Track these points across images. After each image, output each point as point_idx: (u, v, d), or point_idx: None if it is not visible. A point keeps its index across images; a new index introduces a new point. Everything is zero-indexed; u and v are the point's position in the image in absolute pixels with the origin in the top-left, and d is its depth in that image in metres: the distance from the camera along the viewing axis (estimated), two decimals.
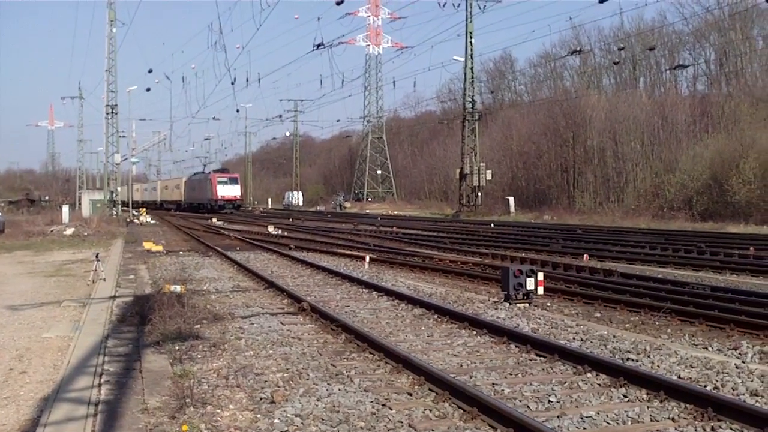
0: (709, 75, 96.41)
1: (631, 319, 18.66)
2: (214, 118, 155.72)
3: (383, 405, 11.10)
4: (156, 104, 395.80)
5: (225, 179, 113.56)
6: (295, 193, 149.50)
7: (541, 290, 20.89)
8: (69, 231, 57.15)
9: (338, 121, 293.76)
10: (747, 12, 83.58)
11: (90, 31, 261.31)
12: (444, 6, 78.34)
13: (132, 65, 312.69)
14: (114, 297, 22.26)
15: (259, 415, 10.76)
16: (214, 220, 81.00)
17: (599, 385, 12.09)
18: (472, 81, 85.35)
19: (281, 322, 18.30)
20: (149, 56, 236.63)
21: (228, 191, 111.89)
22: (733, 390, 11.61)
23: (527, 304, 20.17)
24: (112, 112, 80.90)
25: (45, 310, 20.49)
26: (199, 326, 17.23)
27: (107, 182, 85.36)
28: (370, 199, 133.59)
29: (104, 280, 26.24)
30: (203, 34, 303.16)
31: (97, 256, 27.49)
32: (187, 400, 11.11)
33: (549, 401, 11.21)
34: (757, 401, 11.05)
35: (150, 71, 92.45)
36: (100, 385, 12.08)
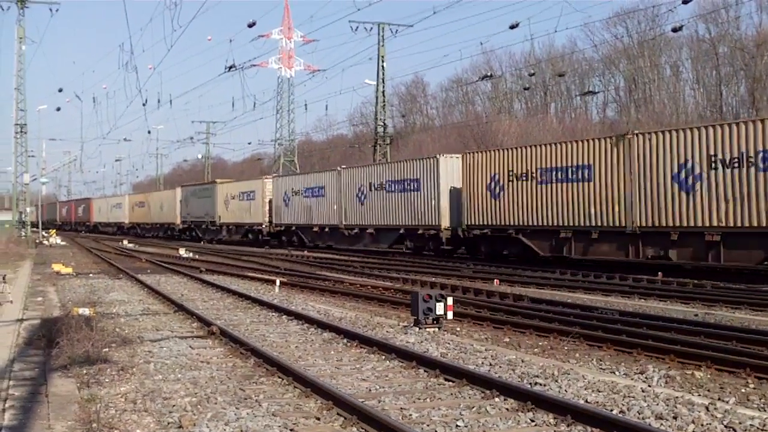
0: (619, 101, 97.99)
1: (540, 343, 18.81)
2: (125, 139, 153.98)
3: (291, 430, 11.06)
4: (66, 124, 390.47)
5: None
6: None
7: (450, 315, 20.86)
8: None
9: (250, 143, 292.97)
10: (655, 40, 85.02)
11: None
12: (356, 30, 78.15)
13: (42, 84, 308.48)
14: (21, 320, 21.93)
15: None
16: (125, 242, 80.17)
17: (507, 409, 12.14)
18: (384, 105, 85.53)
19: (190, 346, 18.18)
20: (59, 75, 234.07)
21: None
22: (639, 414, 11.74)
23: (437, 329, 20.17)
24: (21, 131, 79.66)
25: None
26: (107, 350, 17.03)
27: (16, 203, 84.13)
28: None
29: (11, 302, 25.85)
30: (114, 53, 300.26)
31: (3, 278, 27.10)
32: (93, 425, 10.99)
33: (457, 426, 11.25)
34: (662, 425, 11.19)
35: (60, 90, 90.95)
36: (4, 410, 11.91)
